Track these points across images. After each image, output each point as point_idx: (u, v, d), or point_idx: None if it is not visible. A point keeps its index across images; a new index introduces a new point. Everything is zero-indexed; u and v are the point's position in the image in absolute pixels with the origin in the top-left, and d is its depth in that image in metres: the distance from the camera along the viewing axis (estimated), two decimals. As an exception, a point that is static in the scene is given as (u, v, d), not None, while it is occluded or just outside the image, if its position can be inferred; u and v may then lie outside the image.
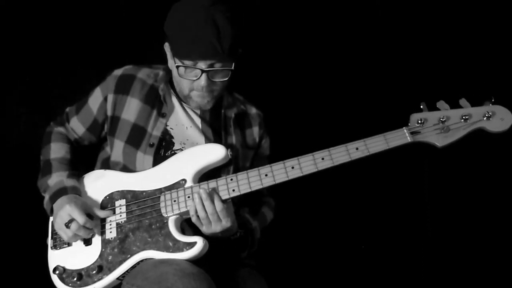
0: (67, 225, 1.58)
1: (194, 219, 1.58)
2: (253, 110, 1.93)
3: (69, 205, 1.59)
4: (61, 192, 1.66)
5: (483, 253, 2.44)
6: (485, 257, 2.43)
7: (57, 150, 1.79)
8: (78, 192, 1.69)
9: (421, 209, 2.48)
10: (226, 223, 1.56)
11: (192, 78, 1.66)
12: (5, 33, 2.20)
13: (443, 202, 2.47)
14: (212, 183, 1.61)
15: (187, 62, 1.63)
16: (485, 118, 1.51)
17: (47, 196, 1.70)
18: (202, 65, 1.62)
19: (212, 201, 1.55)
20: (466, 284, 2.42)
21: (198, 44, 1.58)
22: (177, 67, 1.66)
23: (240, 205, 1.81)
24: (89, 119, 1.83)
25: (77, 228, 1.59)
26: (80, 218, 1.58)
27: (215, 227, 1.56)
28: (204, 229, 1.58)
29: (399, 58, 2.45)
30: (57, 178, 1.70)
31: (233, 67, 1.66)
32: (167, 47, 1.73)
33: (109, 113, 1.79)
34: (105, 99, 1.79)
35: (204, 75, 1.64)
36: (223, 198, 1.58)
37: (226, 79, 1.68)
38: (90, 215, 1.62)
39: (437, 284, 2.43)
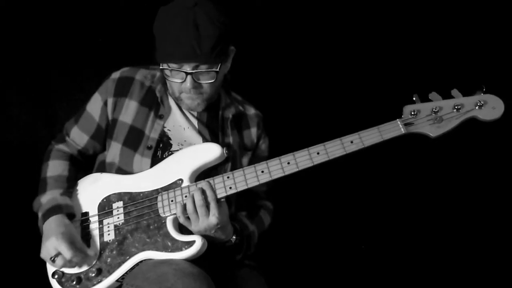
0: (53, 259, 1.55)
1: (181, 220, 1.57)
2: (251, 111, 1.92)
3: (56, 238, 1.55)
4: (54, 210, 1.63)
5: (482, 250, 2.43)
6: (484, 255, 2.42)
7: (54, 168, 1.76)
8: (71, 210, 1.67)
9: (419, 202, 2.47)
10: (213, 219, 1.52)
11: (178, 81, 1.66)
12: (5, 33, 2.21)
13: (439, 194, 2.47)
14: (209, 181, 1.60)
15: (172, 65, 1.62)
16: (477, 107, 1.53)
17: (40, 215, 1.67)
18: (187, 67, 1.61)
19: (203, 193, 1.54)
20: (466, 284, 2.41)
21: (178, 47, 1.57)
22: (162, 69, 1.66)
23: (238, 208, 1.81)
24: (91, 126, 1.80)
25: (62, 264, 1.56)
26: (67, 253, 1.54)
27: (202, 223, 1.53)
28: (192, 226, 1.56)
29: (391, 51, 2.47)
30: (50, 196, 1.67)
31: (218, 69, 1.64)
32: None
33: (110, 117, 1.78)
34: (105, 103, 1.78)
35: (189, 77, 1.62)
36: (220, 196, 1.58)
37: (213, 81, 1.66)
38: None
39: (437, 284, 2.42)
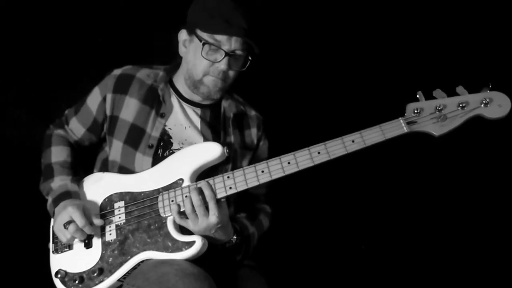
0: (65, 226, 1.60)
1: (178, 220, 1.57)
2: (252, 112, 1.93)
3: (72, 207, 1.61)
4: (64, 195, 1.69)
5: (484, 250, 2.38)
6: (485, 255, 2.38)
7: (58, 154, 1.81)
8: (79, 198, 1.71)
9: (420, 202, 2.43)
10: (214, 218, 1.52)
11: (213, 60, 1.70)
12: (5, 33, 2.22)
13: (441, 194, 2.42)
14: (209, 181, 1.60)
15: (219, 37, 1.68)
16: (482, 105, 1.48)
17: (50, 199, 1.72)
18: (227, 47, 1.68)
19: (200, 193, 1.54)
20: (466, 284, 2.37)
21: (230, 23, 1.66)
22: (204, 44, 1.69)
23: (237, 210, 1.81)
24: (88, 119, 1.84)
25: (74, 230, 1.59)
26: (80, 221, 1.59)
27: (202, 223, 1.53)
28: (192, 227, 1.56)
29: (394, 47, 2.41)
30: (60, 182, 1.73)
31: (250, 58, 1.74)
32: (183, 33, 1.77)
33: (108, 112, 1.80)
34: (104, 98, 1.80)
35: (225, 59, 1.69)
36: (220, 195, 1.57)
37: (243, 69, 1.75)
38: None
39: (437, 284, 2.38)
